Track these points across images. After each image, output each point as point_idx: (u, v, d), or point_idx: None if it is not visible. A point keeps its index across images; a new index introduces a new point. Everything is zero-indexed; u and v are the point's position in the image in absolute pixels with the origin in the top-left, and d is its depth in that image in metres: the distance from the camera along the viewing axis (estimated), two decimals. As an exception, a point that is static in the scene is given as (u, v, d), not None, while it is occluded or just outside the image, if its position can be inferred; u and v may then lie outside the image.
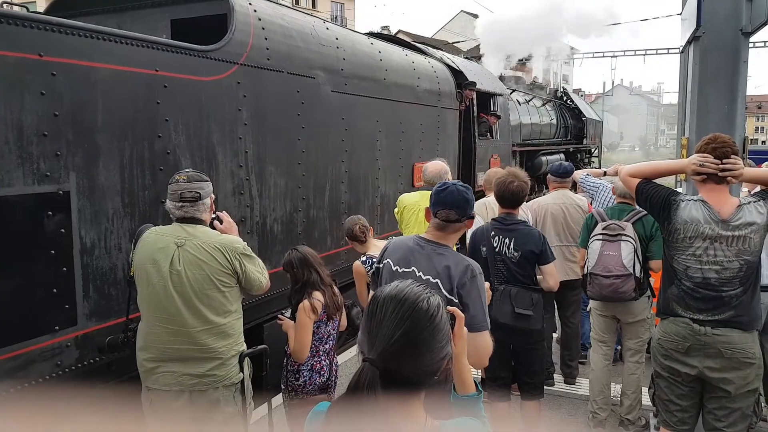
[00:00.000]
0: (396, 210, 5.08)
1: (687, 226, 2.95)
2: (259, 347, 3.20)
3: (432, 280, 2.53)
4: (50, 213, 2.99)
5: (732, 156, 2.92)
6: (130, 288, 3.00)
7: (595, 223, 4.20)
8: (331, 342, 3.57)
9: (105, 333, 3.27)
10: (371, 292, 3.75)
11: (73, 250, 3.10)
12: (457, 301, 2.48)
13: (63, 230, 3.05)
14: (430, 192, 4.84)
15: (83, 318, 3.16)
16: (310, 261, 3.51)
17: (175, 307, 2.79)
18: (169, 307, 2.79)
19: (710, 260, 2.91)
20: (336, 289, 3.60)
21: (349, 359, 5.46)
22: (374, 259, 3.87)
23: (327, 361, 3.53)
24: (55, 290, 3.02)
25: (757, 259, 2.92)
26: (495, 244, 3.79)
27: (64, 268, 3.07)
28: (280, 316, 3.62)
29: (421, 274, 2.57)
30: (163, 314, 2.81)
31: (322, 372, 3.49)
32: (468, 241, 4.02)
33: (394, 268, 2.63)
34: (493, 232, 3.82)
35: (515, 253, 3.73)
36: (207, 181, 2.98)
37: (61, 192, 3.04)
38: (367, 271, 3.87)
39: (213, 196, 3.03)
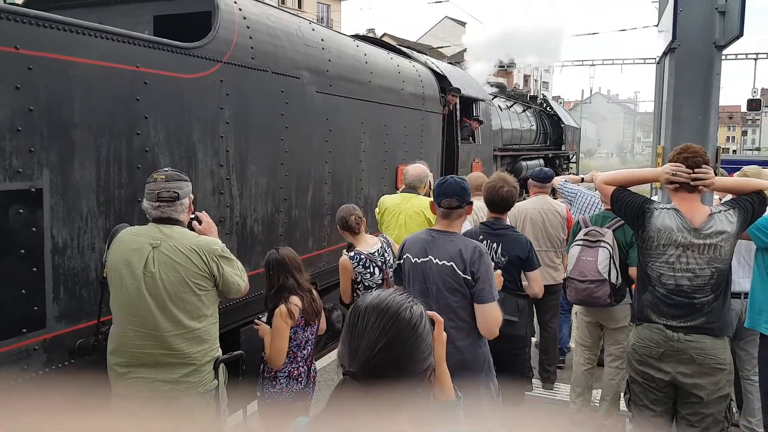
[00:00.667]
0: (377, 211, 5.05)
1: (660, 234, 3.01)
2: (235, 353, 3.11)
3: (447, 263, 2.94)
4: (21, 210, 2.89)
5: (703, 165, 2.98)
6: (103, 290, 2.91)
7: (580, 229, 4.25)
8: (309, 348, 3.50)
9: (75, 336, 3.17)
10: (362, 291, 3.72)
11: (44, 249, 3.01)
12: (470, 278, 2.90)
13: (34, 228, 2.95)
14: (411, 194, 4.89)
15: (52, 320, 3.06)
16: (288, 266, 3.41)
17: (148, 311, 2.70)
18: (142, 310, 2.71)
19: (683, 267, 2.96)
20: (315, 294, 3.53)
21: (328, 365, 5.39)
22: (362, 255, 3.88)
23: (305, 367, 3.45)
24: (23, 291, 2.92)
25: (727, 267, 2.99)
26: None
27: (34, 268, 2.97)
28: (256, 320, 3.52)
29: (437, 260, 2.97)
30: (135, 317, 2.73)
31: (299, 379, 3.41)
32: None
33: (413, 260, 3.04)
34: (481, 237, 3.82)
35: (502, 258, 3.73)
36: (186, 180, 2.90)
37: (33, 189, 2.94)
38: (354, 267, 3.84)
39: (192, 196, 2.95)
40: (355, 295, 3.91)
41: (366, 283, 3.87)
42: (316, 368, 3.64)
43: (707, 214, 2.97)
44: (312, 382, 3.52)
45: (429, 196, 5.14)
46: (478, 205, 4.95)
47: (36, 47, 2.92)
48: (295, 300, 3.34)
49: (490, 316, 2.92)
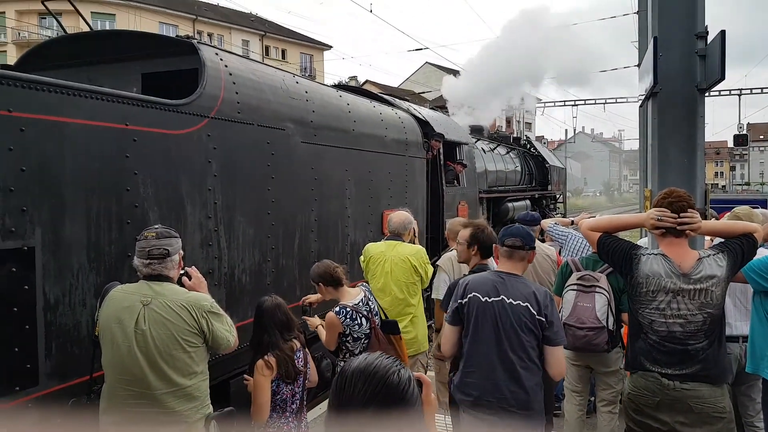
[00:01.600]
0: (362, 259, 5.09)
1: (649, 280, 2.98)
2: (226, 409, 3.07)
3: (522, 303, 3.11)
4: (14, 269, 2.93)
5: (689, 210, 2.98)
6: (95, 348, 2.93)
7: (570, 272, 4.20)
8: (297, 402, 3.41)
9: (68, 393, 3.17)
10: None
11: (36, 306, 3.04)
12: (544, 320, 3.08)
13: (26, 287, 2.99)
14: (396, 242, 4.93)
15: (45, 378, 3.07)
16: (275, 322, 3.36)
17: (139, 369, 2.73)
18: (132, 368, 2.73)
19: (674, 314, 2.93)
20: (297, 348, 3.44)
21: (319, 416, 5.32)
22: (348, 308, 3.81)
23: (294, 422, 3.36)
24: (16, 349, 2.94)
25: (720, 312, 2.95)
26: None
27: (27, 326, 2.99)
28: (246, 376, 3.45)
29: (511, 300, 3.13)
30: (126, 376, 2.75)
31: None
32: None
33: (483, 299, 3.17)
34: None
35: None
36: (176, 237, 2.96)
37: (26, 248, 2.99)
38: (342, 321, 3.80)
39: (182, 252, 3.01)
40: (344, 348, 3.88)
41: (355, 335, 3.83)
42: (307, 422, 3.54)
43: (696, 258, 2.94)
44: None
45: (414, 243, 5.19)
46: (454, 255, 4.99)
47: (28, 109, 3.02)
48: (270, 358, 3.29)
49: (562, 358, 3.18)
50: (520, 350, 3.08)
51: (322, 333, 3.99)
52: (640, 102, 4.87)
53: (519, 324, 3.07)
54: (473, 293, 3.19)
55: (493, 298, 3.13)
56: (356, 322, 3.82)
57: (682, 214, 2.97)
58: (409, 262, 4.85)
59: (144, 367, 2.73)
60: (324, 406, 5.49)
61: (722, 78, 3.75)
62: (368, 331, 3.87)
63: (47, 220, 3.11)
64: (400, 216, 5.05)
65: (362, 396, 1.27)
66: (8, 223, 2.91)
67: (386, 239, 5.09)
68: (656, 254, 3.02)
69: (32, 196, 3.03)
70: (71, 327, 3.22)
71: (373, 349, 3.72)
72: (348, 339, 3.85)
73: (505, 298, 3.11)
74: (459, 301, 3.25)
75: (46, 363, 3.09)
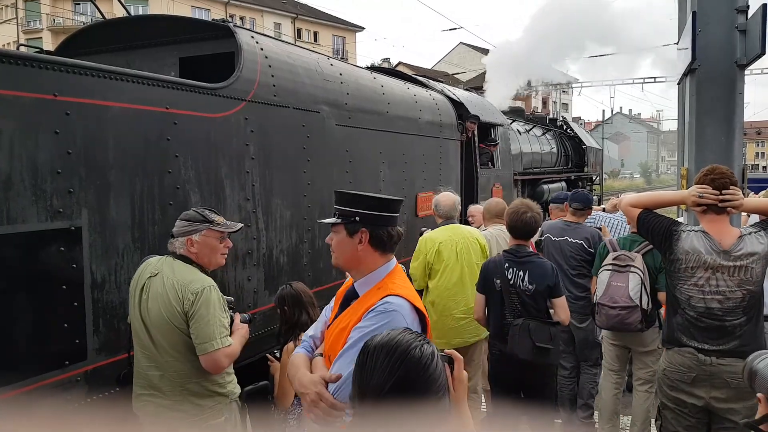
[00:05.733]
0: (426, 249, 4.66)
1: (689, 256, 2.98)
2: (261, 383, 3.10)
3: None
4: (62, 248, 3.04)
5: (731, 186, 2.97)
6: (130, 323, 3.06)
7: (607, 253, 4.23)
8: None
9: (114, 367, 3.30)
10: None
11: (84, 284, 3.15)
12: None
13: (74, 265, 3.10)
14: (454, 225, 4.76)
15: (93, 352, 3.19)
16: (303, 301, 3.33)
17: (145, 335, 2.89)
18: (141, 334, 2.91)
19: (712, 290, 2.93)
20: None
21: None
22: None
23: None
24: (66, 325, 3.06)
25: (759, 289, 2.95)
26: (509, 277, 3.79)
27: (75, 303, 3.11)
28: (270, 356, 3.43)
29: None
30: (140, 340, 2.92)
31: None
32: (480, 272, 3.99)
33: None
34: (506, 264, 3.83)
35: (530, 286, 3.74)
36: (188, 221, 3.00)
37: (73, 228, 3.09)
38: None
39: (195, 237, 2.97)
40: None
41: None
42: None
43: (737, 236, 2.95)
44: None
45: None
46: (496, 233, 4.96)
47: (72, 93, 3.09)
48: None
49: None
50: None
51: None
52: (678, 79, 4.76)
53: None
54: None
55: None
56: None
57: (723, 191, 2.96)
58: (478, 243, 4.67)
59: (147, 335, 2.88)
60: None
61: (763, 53, 3.70)
62: None
63: (93, 201, 3.20)
64: (448, 198, 4.90)
65: (383, 370, 1.26)
66: (56, 204, 3.01)
67: (441, 224, 4.86)
68: (697, 231, 3.03)
69: (78, 178, 3.13)
70: (117, 304, 3.33)
71: None
72: None
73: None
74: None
75: (94, 338, 3.20)
